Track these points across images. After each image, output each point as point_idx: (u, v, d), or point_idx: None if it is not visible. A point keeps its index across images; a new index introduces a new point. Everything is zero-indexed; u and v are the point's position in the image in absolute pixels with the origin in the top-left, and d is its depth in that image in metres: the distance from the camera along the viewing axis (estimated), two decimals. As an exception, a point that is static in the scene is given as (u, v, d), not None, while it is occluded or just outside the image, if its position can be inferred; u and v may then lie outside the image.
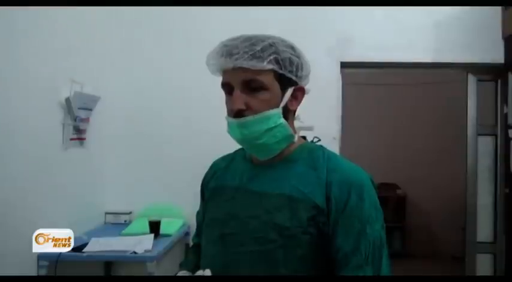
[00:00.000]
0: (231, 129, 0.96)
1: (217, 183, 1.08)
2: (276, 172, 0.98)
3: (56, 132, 2.24)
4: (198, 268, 1.04)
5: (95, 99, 2.48)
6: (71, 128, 2.33)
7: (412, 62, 2.82)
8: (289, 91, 0.97)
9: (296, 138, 1.01)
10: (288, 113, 0.99)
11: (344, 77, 2.84)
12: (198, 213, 1.16)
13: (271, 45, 0.93)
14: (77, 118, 2.34)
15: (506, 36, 2.70)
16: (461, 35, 2.76)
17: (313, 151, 1.01)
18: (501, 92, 2.85)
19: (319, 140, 1.06)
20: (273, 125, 0.94)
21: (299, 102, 1.01)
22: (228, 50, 0.92)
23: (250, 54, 0.90)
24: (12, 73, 1.90)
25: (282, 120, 0.96)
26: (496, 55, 2.73)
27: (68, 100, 2.25)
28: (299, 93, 1.00)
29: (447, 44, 2.77)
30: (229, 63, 0.91)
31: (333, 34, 2.79)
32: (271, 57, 0.92)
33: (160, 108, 2.81)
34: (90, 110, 2.47)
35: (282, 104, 0.96)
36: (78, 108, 2.33)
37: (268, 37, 0.95)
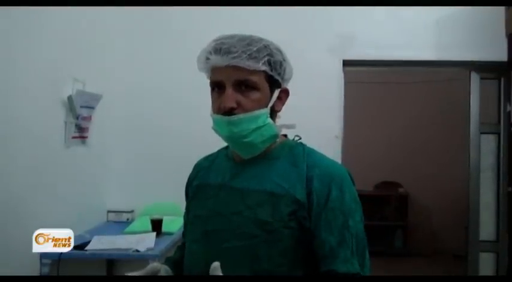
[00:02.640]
0: (218, 126, 0.98)
1: (200, 182, 1.09)
2: (257, 169, 1.00)
3: (58, 131, 2.25)
4: (177, 265, 1.09)
5: (97, 98, 2.48)
6: (73, 126, 2.34)
7: (414, 60, 2.81)
8: (276, 92, 1.00)
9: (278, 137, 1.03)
10: (273, 114, 1.02)
11: (346, 75, 2.83)
12: (184, 213, 1.17)
13: (265, 47, 0.96)
14: (79, 116, 2.34)
15: (510, 34, 2.69)
16: (464, 33, 2.75)
17: (293, 148, 1.03)
18: (504, 90, 2.84)
19: (300, 138, 1.08)
20: (261, 124, 0.96)
21: (283, 103, 1.04)
22: (226, 48, 0.93)
23: (248, 54, 0.93)
24: (15, 72, 1.90)
25: (269, 119, 0.98)
26: (499, 53, 2.71)
27: (70, 98, 2.26)
28: (283, 94, 1.03)
29: (450, 42, 2.76)
30: (226, 61, 0.93)
31: (335, 33, 2.78)
32: (265, 59, 0.95)
33: (162, 107, 2.82)
34: (92, 108, 2.47)
35: (270, 104, 0.99)
36: (80, 107, 2.33)
37: (261, 39, 0.98)
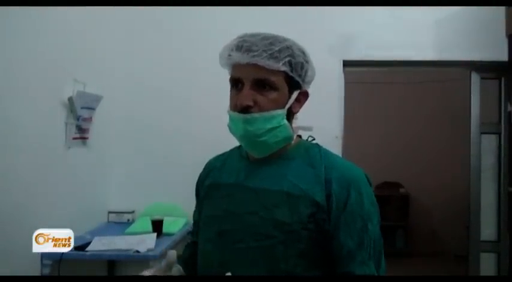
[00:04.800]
0: (234, 124, 0.97)
1: (212, 181, 1.08)
2: (273, 169, 0.99)
3: (58, 132, 2.25)
4: (187, 264, 1.08)
5: (97, 99, 2.48)
6: (74, 127, 2.34)
7: (415, 60, 2.81)
8: (295, 94, 0.99)
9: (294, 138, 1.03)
10: (290, 115, 1.01)
11: (346, 75, 2.83)
12: (194, 212, 1.17)
13: (288, 47, 0.95)
14: (79, 117, 2.34)
15: (510, 34, 2.69)
16: (464, 32, 2.75)
17: (309, 149, 1.02)
18: (505, 90, 2.84)
19: (314, 139, 1.08)
20: (276, 125, 0.96)
21: (301, 105, 1.03)
22: (248, 45, 0.93)
23: (269, 54, 0.92)
24: (15, 73, 1.90)
25: (285, 121, 0.97)
26: (499, 53, 2.71)
27: (70, 99, 2.26)
28: (302, 97, 1.02)
29: (450, 42, 2.76)
30: (246, 59, 0.92)
31: (335, 33, 2.78)
32: (286, 60, 0.94)
33: (162, 108, 2.82)
34: (93, 109, 2.47)
35: (288, 106, 0.98)
36: (81, 108, 2.34)
37: (285, 39, 0.97)
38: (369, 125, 4.73)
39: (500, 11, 2.73)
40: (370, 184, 0.99)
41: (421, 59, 2.79)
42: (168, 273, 1.01)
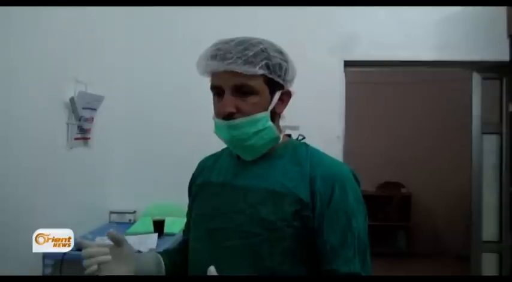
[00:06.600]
0: (219, 131, 0.99)
1: (203, 180, 1.11)
2: (260, 168, 1.01)
3: (60, 132, 2.25)
4: (169, 253, 1.11)
5: (99, 99, 2.49)
6: (75, 127, 2.34)
7: (416, 61, 2.80)
8: (277, 95, 0.99)
9: (281, 138, 1.04)
10: (275, 116, 1.02)
11: (348, 75, 2.83)
12: (187, 212, 1.18)
13: (262, 50, 0.95)
14: (81, 118, 2.35)
15: (511, 34, 2.68)
16: (465, 32, 2.75)
17: (297, 148, 1.04)
18: (506, 90, 2.84)
19: (304, 138, 1.09)
20: (261, 128, 0.97)
21: (285, 105, 1.04)
22: (222, 53, 0.93)
23: (244, 60, 0.92)
24: (16, 74, 1.91)
25: (270, 123, 0.98)
26: (500, 53, 2.71)
27: (72, 100, 2.26)
28: (285, 96, 1.03)
29: (451, 42, 2.76)
30: (222, 67, 0.93)
31: (336, 33, 2.78)
32: (263, 63, 0.94)
33: (163, 109, 2.82)
34: (95, 109, 2.47)
35: (270, 108, 0.99)
36: (83, 108, 2.34)
37: (260, 42, 0.97)
38: (370, 125, 4.73)
39: (501, 11, 2.72)
40: (358, 182, 1.00)
41: (423, 59, 2.79)
42: (119, 251, 0.99)
